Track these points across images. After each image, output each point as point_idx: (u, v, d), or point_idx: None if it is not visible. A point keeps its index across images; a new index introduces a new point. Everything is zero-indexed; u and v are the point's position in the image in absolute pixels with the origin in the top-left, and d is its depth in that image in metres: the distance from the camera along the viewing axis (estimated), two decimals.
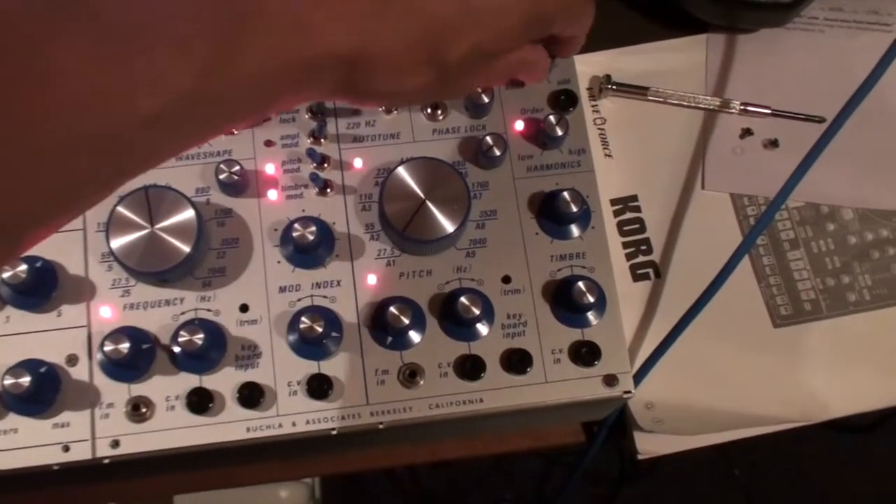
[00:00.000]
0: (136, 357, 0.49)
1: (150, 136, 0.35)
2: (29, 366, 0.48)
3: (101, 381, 0.50)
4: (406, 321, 0.50)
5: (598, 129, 0.66)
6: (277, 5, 0.36)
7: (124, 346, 0.48)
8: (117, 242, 0.49)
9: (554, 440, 0.62)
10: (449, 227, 0.51)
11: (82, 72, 0.32)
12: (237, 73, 0.36)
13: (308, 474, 0.68)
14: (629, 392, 0.52)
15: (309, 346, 0.50)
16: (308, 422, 0.50)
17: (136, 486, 0.60)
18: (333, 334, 0.50)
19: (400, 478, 1.31)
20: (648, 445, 0.61)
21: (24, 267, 0.49)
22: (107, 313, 0.51)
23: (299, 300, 0.52)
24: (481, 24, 0.41)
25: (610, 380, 0.51)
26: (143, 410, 0.49)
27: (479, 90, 0.54)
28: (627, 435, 0.62)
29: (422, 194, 0.51)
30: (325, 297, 0.52)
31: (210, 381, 0.50)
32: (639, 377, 0.58)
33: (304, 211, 0.53)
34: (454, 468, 1.31)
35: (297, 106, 0.55)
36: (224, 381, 0.50)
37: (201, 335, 0.49)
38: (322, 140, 0.54)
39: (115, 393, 0.50)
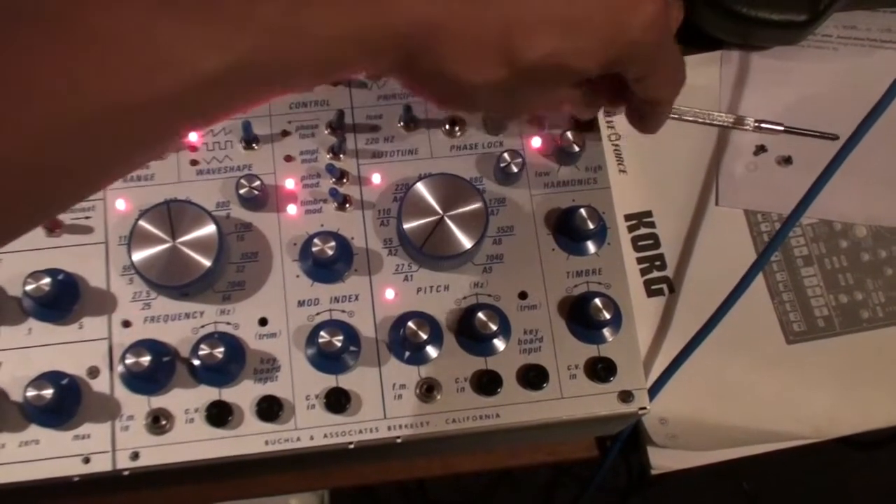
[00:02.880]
0: (156, 370, 0.49)
1: (209, 96, 0.34)
2: (51, 378, 0.49)
3: (122, 393, 0.50)
4: (424, 336, 0.50)
5: (613, 144, 0.66)
6: None
7: (145, 359, 0.49)
8: (139, 256, 0.50)
9: (567, 454, 0.62)
10: (467, 243, 0.51)
11: (149, 32, 0.32)
12: (304, 38, 0.35)
13: (322, 486, 0.68)
14: (644, 408, 0.52)
15: (327, 360, 0.51)
16: (326, 435, 0.50)
17: (147, 497, 0.61)
18: (352, 348, 0.51)
19: (407, 486, 1.31)
20: (661, 460, 0.62)
21: (46, 280, 0.49)
22: (128, 326, 0.51)
23: (318, 314, 0.52)
24: (565, 32, 0.40)
25: (625, 396, 0.52)
26: (163, 423, 0.49)
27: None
28: (641, 449, 0.62)
29: (440, 210, 0.51)
30: (343, 311, 0.52)
31: (229, 395, 0.50)
32: (653, 392, 0.58)
33: (322, 226, 0.53)
34: (461, 476, 1.31)
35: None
36: (243, 394, 0.50)
37: (221, 348, 0.49)
38: (341, 155, 0.55)
39: (136, 405, 0.50)
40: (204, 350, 0.49)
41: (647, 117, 0.51)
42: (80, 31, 0.32)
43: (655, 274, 0.64)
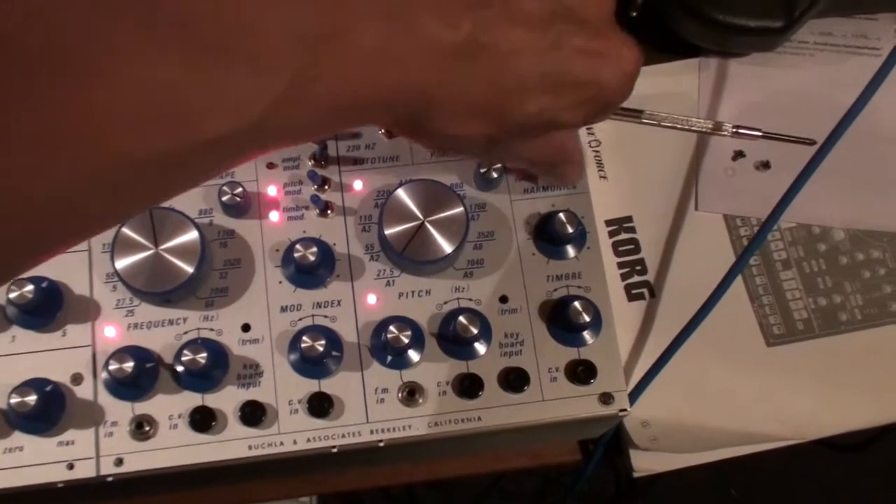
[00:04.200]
0: (139, 376, 0.50)
1: (207, 157, 0.35)
2: (34, 384, 0.49)
3: (106, 399, 0.50)
4: (405, 340, 0.51)
5: (594, 151, 0.67)
6: (365, 34, 0.36)
7: (128, 365, 0.49)
8: (122, 263, 0.50)
9: (550, 458, 0.63)
10: (447, 248, 0.52)
11: (158, 91, 0.32)
12: (310, 103, 0.36)
13: (308, 493, 0.68)
14: (625, 410, 0.52)
15: (310, 365, 0.51)
16: (309, 440, 0.51)
17: None
18: (334, 353, 0.51)
19: (397, 496, 1.31)
20: (644, 463, 0.62)
21: (30, 287, 0.50)
22: (111, 333, 0.51)
23: (300, 320, 0.52)
24: (555, 92, 0.41)
25: (606, 398, 0.52)
26: (147, 429, 0.50)
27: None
28: (623, 453, 0.63)
29: (421, 216, 0.52)
30: (325, 316, 0.53)
31: (212, 400, 0.51)
32: (634, 396, 0.58)
33: (305, 232, 0.54)
34: (451, 487, 1.31)
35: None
36: (226, 399, 0.51)
37: (204, 354, 0.49)
38: (323, 163, 0.55)
39: (119, 411, 0.50)
40: (187, 356, 0.49)
41: None
42: (102, 80, 0.31)
43: (636, 279, 0.65)
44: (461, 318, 0.51)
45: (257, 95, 0.34)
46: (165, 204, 0.52)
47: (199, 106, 0.33)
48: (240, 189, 0.52)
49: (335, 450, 0.51)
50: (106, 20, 0.32)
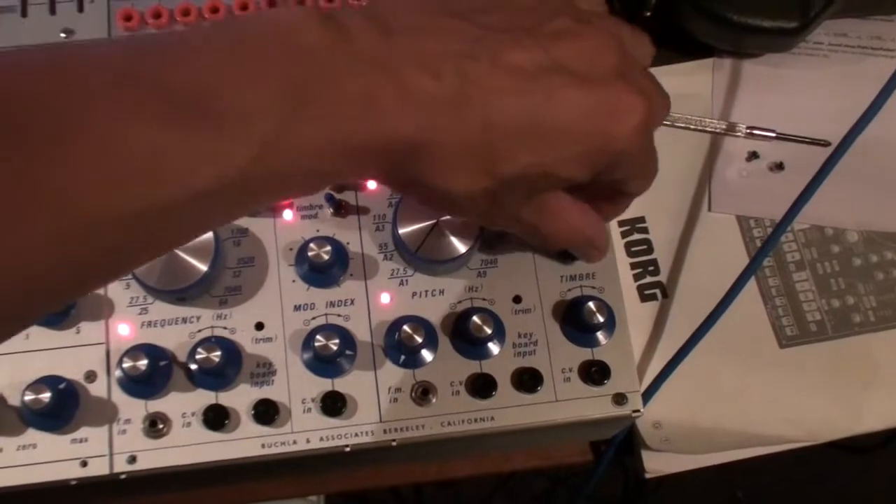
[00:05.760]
0: (153, 374, 0.50)
1: (199, 209, 0.35)
2: (48, 382, 0.49)
3: (119, 397, 0.50)
4: (419, 340, 0.51)
5: None
6: (349, 83, 0.36)
7: (142, 363, 0.49)
8: None
9: (562, 459, 0.63)
10: (461, 247, 0.51)
11: (142, 145, 0.32)
12: (296, 151, 0.35)
13: (319, 491, 0.69)
14: (638, 411, 0.52)
15: (323, 364, 0.51)
16: (322, 439, 0.51)
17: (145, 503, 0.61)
18: (347, 352, 0.51)
19: (405, 496, 1.31)
20: (655, 464, 0.62)
21: None
22: (125, 331, 0.51)
23: (314, 318, 0.52)
24: (546, 144, 0.40)
25: (619, 399, 0.52)
26: (160, 426, 0.50)
27: None
28: (635, 454, 0.63)
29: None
30: (339, 315, 0.53)
31: (226, 398, 0.51)
32: (647, 396, 0.58)
33: (318, 231, 0.54)
34: (459, 487, 1.32)
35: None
36: (239, 397, 0.51)
37: (218, 352, 0.49)
38: None
39: (133, 409, 0.50)
40: (201, 354, 0.49)
41: (613, 207, 0.51)
42: (88, 140, 0.32)
43: (649, 279, 0.65)
44: (475, 318, 0.51)
45: (238, 146, 0.34)
46: None
47: (180, 161, 0.33)
48: None
49: (348, 449, 0.51)
50: (83, 84, 0.32)
